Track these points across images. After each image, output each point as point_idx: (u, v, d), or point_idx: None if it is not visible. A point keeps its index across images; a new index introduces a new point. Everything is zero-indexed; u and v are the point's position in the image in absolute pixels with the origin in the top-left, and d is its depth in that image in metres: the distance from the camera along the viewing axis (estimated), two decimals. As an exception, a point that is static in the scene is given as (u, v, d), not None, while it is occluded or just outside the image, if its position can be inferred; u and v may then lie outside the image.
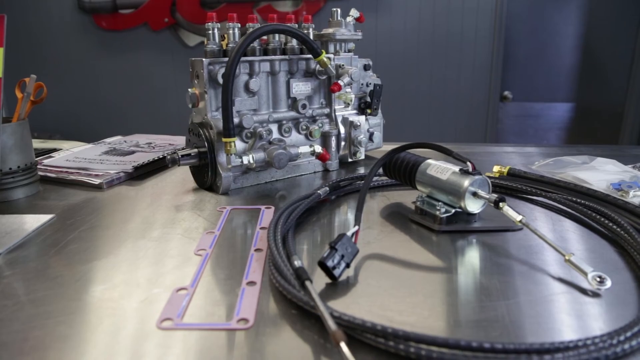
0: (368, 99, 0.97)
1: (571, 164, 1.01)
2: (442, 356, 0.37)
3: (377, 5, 2.59)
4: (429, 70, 2.65)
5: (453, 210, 0.66)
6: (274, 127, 0.89)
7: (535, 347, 0.38)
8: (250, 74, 0.85)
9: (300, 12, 2.61)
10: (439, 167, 0.67)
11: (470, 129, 2.69)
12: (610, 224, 0.66)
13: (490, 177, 0.86)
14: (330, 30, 0.94)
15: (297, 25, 0.88)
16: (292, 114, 0.90)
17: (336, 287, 0.52)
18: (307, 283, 0.46)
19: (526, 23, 2.65)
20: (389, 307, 0.48)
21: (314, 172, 0.94)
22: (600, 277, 0.50)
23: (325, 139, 0.94)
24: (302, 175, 0.93)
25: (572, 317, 0.46)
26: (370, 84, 0.98)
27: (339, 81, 0.89)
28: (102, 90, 2.91)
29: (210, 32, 0.82)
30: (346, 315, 0.41)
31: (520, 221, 0.58)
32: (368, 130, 0.98)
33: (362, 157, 0.98)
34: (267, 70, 0.86)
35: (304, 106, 0.90)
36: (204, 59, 0.80)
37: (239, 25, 0.84)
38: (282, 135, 0.89)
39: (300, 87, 0.90)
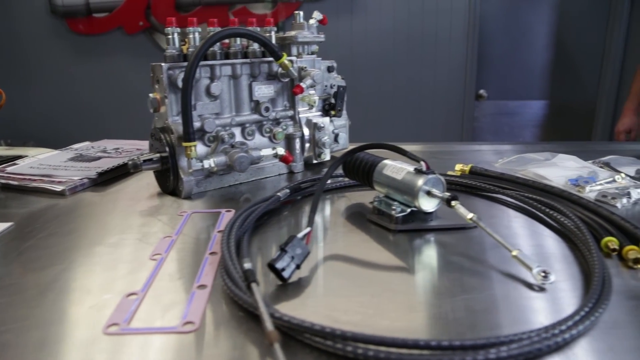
0: (332, 101, 0.98)
1: (533, 161, 1.02)
2: (377, 354, 0.38)
3: (352, 7, 2.61)
4: (405, 71, 2.67)
5: (409, 210, 0.67)
6: (237, 131, 0.89)
7: (470, 344, 0.39)
8: (212, 78, 0.85)
9: (277, 14, 2.61)
10: (394, 167, 0.68)
11: (447, 128, 2.72)
12: (562, 219, 0.67)
13: (452, 176, 0.87)
14: (292, 33, 0.95)
15: (258, 29, 0.89)
16: (255, 117, 0.90)
17: (287, 288, 0.53)
18: (253, 285, 0.47)
19: (499, 22, 2.68)
20: (336, 307, 0.48)
21: (279, 175, 0.95)
22: (544, 272, 0.51)
23: (289, 141, 0.94)
24: (266, 177, 0.93)
25: (516, 312, 0.48)
26: (334, 85, 0.98)
27: (301, 83, 0.90)
28: (78, 95, 2.88)
29: (170, 36, 0.82)
30: (287, 316, 0.42)
31: (470, 219, 0.59)
32: (333, 132, 0.99)
33: (327, 158, 0.98)
34: (229, 73, 0.87)
35: (266, 109, 0.90)
36: (163, 64, 0.80)
37: (200, 30, 0.84)
38: (245, 138, 0.89)
39: (263, 90, 0.90)
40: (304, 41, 0.95)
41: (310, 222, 0.59)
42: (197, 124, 0.83)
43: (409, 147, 1.20)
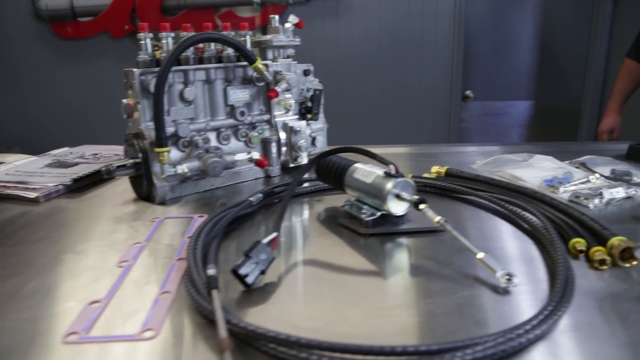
0: (309, 104, 0.98)
1: (511, 162, 1.03)
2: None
3: (337, 10, 2.61)
4: (391, 73, 2.68)
5: (379, 213, 0.67)
6: (212, 135, 0.89)
7: (423, 349, 0.39)
8: (185, 83, 0.85)
9: (264, 17, 2.61)
10: (364, 171, 0.68)
11: (434, 130, 2.73)
12: (532, 220, 0.68)
13: (427, 178, 0.88)
14: (267, 37, 0.95)
15: (233, 33, 0.89)
16: (231, 121, 0.90)
17: (253, 294, 0.52)
18: (213, 292, 0.47)
19: (485, 24, 2.70)
20: (298, 313, 0.48)
21: (256, 179, 0.94)
22: (508, 275, 0.51)
23: (265, 145, 0.94)
24: (243, 182, 0.93)
25: (479, 316, 0.48)
26: (310, 89, 0.98)
27: (276, 87, 0.90)
28: (64, 99, 2.87)
29: (142, 42, 0.82)
30: (243, 323, 0.42)
31: (438, 222, 0.59)
32: (310, 135, 0.99)
33: (304, 162, 0.98)
34: (203, 78, 0.86)
35: (242, 113, 0.90)
36: (135, 70, 0.80)
37: (173, 35, 0.84)
38: (220, 143, 0.89)
39: (238, 95, 0.90)
40: (279, 45, 0.95)
41: (277, 228, 0.59)
42: (171, 129, 0.83)
43: (395, 150, 1.23)
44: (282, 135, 0.95)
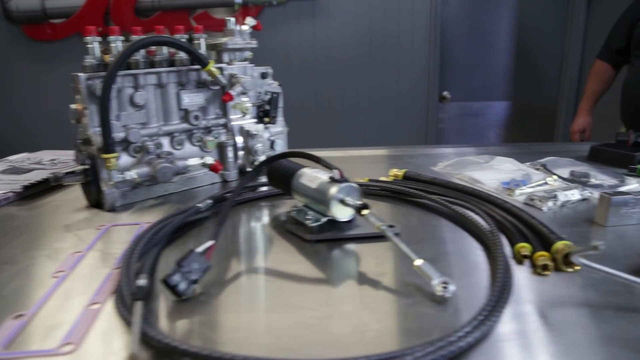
0: (267, 107, 0.96)
1: (472, 164, 1.03)
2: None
3: (314, 11, 2.60)
4: (368, 74, 2.67)
5: (324, 219, 0.66)
6: (165, 140, 0.87)
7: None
8: (136, 87, 0.83)
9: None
10: (310, 176, 0.67)
11: (412, 131, 2.73)
12: (481, 224, 0.67)
13: (383, 182, 0.87)
14: (223, 40, 0.93)
15: (186, 36, 0.87)
16: (185, 125, 0.88)
17: (183, 305, 0.51)
18: (137, 303, 0.45)
19: (461, 25, 2.70)
20: (225, 324, 0.47)
21: (212, 184, 0.93)
22: (444, 283, 0.50)
23: (221, 149, 0.93)
24: (199, 187, 0.92)
25: (412, 325, 0.47)
26: (269, 92, 0.97)
27: (231, 91, 0.88)
28: (36, 102, 2.82)
29: (89, 45, 0.80)
30: (160, 336, 0.40)
31: (379, 227, 0.58)
32: (269, 139, 0.98)
33: (263, 166, 0.97)
34: (154, 82, 0.85)
35: (196, 117, 0.89)
36: (81, 74, 0.78)
37: (122, 38, 0.82)
38: (174, 148, 0.88)
39: (192, 99, 0.89)
40: (235, 48, 0.93)
41: (215, 235, 0.58)
42: (121, 135, 0.81)
43: (372, 152, 1.22)
44: (239, 139, 0.93)
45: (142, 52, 0.84)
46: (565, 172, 0.96)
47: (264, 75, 0.97)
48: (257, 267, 0.60)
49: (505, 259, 0.56)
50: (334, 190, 0.63)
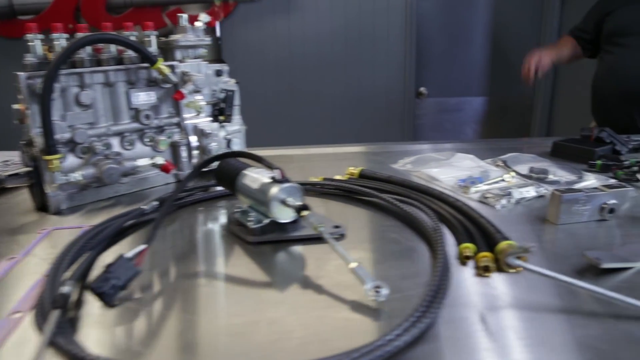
0: (222, 106, 0.94)
1: (433, 161, 1.02)
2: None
3: (288, 7, 2.58)
4: (344, 71, 2.66)
5: (267, 220, 0.64)
6: (115, 141, 0.85)
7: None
8: (82, 86, 0.81)
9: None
10: (252, 177, 0.66)
11: (388, 127, 2.72)
12: (427, 224, 0.66)
13: (336, 180, 0.85)
14: (175, 37, 0.91)
15: (136, 33, 0.85)
16: (135, 125, 0.86)
17: (107, 313, 0.49)
18: (53, 311, 0.44)
19: (437, 20, 2.70)
20: (147, 332, 0.46)
21: (166, 184, 0.91)
22: (377, 287, 0.48)
23: (175, 149, 0.91)
24: (152, 187, 0.90)
25: (342, 332, 0.46)
26: (224, 90, 0.95)
27: (182, 89, 0.87)
28: (4, 101, 2.76)
29: (30, 43, 0.78)
30: (70, 346, 0.39)
31: (316, 229, 0.57)
32: (225, 138, 0.96)
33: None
34: (102, 81, 0.83)
35: (147, 117, 0.87)
36: (21, 73, 0.75)
37: (67, 36, 0.80)
38: (124, 148, 0.85)
39: (142, 97, 0.86)
40: (187, 45, 0.91)
41: (149, 240, 0.56)
42: (67, 135, 0.79)
43: (348, 149, 1.21)
44: (193, 139, 0.91)
45: (89, 50, 0.81)
46: (525, 169, 0.95)
47: (218, 73, 0.95)
48: (195, 271, 0.59)
49: (445, 260, 0.56)
50: (274, 190, 0.61)
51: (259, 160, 0.64)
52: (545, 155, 1.08)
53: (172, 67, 0.88)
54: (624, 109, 1.61)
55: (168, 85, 0.88)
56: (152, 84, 0.88)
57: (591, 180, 0.90)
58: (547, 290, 0.51)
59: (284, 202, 0.62)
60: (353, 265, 0.51)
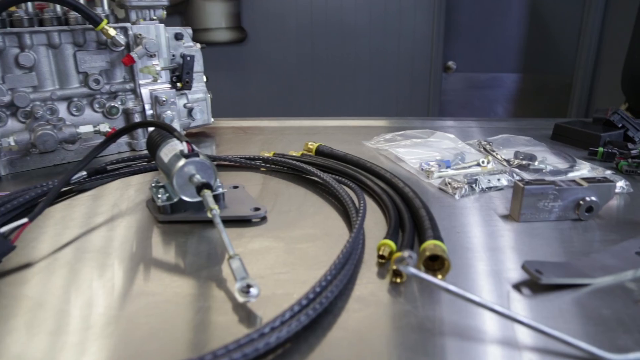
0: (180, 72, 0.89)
1: (409, 139, 0.93)
2: None
3: (312, -28, 2.47)
4: (368, 41, 2.54)
5: (177, 198, 0.59)
6: (62, 106, 0.81)
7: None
8: (21, 48, 0.77)
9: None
10: (167, 149, 0.60)
11: (413, 102, 2.60)
12: (352, 213, 0.59)
13: (288, 156, 0.79)
14: (131, -4, 0.86)
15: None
16: (84, 90, 0.82)
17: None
18: None
19: (470, -11, 2.53)
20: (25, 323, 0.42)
21: (119, 153, 0.87)
22: (248, 285, 0.42)
23: (128, 116, 0.86)
24: (103, 156, 0.86)
25: (205, 335, 0.40)
26: (183, 55, 0.89)
27: (133, 53, 0.81)
28: None
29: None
30: None
31: (209, 211, 0.51)
32: (185, 106, 0.91)
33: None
34: (44, 42, 0.78)
35: (96, 81, 0.82)
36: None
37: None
38: (71, 114, 0.82)
39: (91, 61, 0.82)
40: (141, 5, 0.85)
41: (33, 214, 0.52)
42: (6, 98, 0.76)
43: (369, 122, 1.13)
44: (147, 106, 0.87)
45: (29, 8, 0.77)
46: (510, 153, 0.86)
47: (178, 36, 0.89)
48: (91, 251, 0.54)
49: (346, 254, 0.48)
50: (178, 165, 0.55)
51: (170, 130, 0.58)
52: (545, 139, 0.97)
53: (125, 29, 0.82)
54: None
55: (120, 49, 0.83)
56: (102, 46, 0.83)
57: (583, 171, 0.79)
58: (470, 310, 0.43)
59: (190, 179, 0.56)
60: (233, 257, 0.45)
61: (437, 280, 0.40)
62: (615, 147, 0.88)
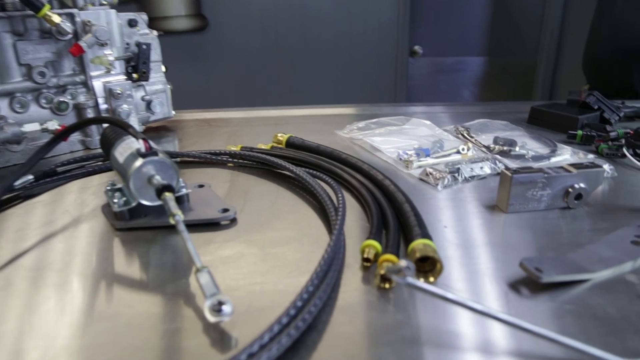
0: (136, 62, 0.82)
1: (383, 127, 0.89)
2: None
3: (273, -44, 2.39)
4: (333, 25, 2.48)
5: (135, 202, 0.53)
6: (3, 103, 0.73)
7: None
8: (-50, 37, 0.68)
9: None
10: (122, 148, 0.54)
11: (380, 87, 2.56)
12: (331, 214, 0.54)
13: (255, 149, 0.73)
14: (77, -21, 0.78)
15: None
16: (28, 84, 0.74)
17: None
18: None
19: (434, -28, 2.50)
20: None
21: (71, 152, 0.80)
22: (220, 302, 0.37)
23: (80, 112, 0.79)
24: (53, 156, 0.78)
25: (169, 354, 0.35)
26: (138, 43, 0.82)
27: (81, 42, 0.74)
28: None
29: None
30: None
31: (172, 217, 0.45)
32: (143, 99, 0.84)
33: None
34: (-23, 31, 0.70)
35: (42, 74, 0.74)
36: None
37: None
38: (14, 111, 0.74)
39: (34, 51, 0.74)
40: (89, -11, 0.78)
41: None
42: (-63, 95, 0.67)
43: (339, 111, 1.07)
44: (101, 100, 0.79)
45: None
46: (489, 139, 0.82)
47: (132, 23, 0.81)
48: (29, 268, 0.48)
49: (327, 260, 0.43)
50: (135, 165, 0.49)
51: (124, 127, 0.52)
52: (522, 123, 0.95)
53: (71, 16, 0.75)
54: (621, 68, 1.42)
55: (66, 38, 0.75)
56: (46, 35, 0.75)
57: (565, 156, 0.76)
58: (468, 317, 0.39)
59: (149, 181, 0.50)
60: (200, 270, 0.39)
61: (440, 290, 0.35)
62: (593, 129, 0.86)
